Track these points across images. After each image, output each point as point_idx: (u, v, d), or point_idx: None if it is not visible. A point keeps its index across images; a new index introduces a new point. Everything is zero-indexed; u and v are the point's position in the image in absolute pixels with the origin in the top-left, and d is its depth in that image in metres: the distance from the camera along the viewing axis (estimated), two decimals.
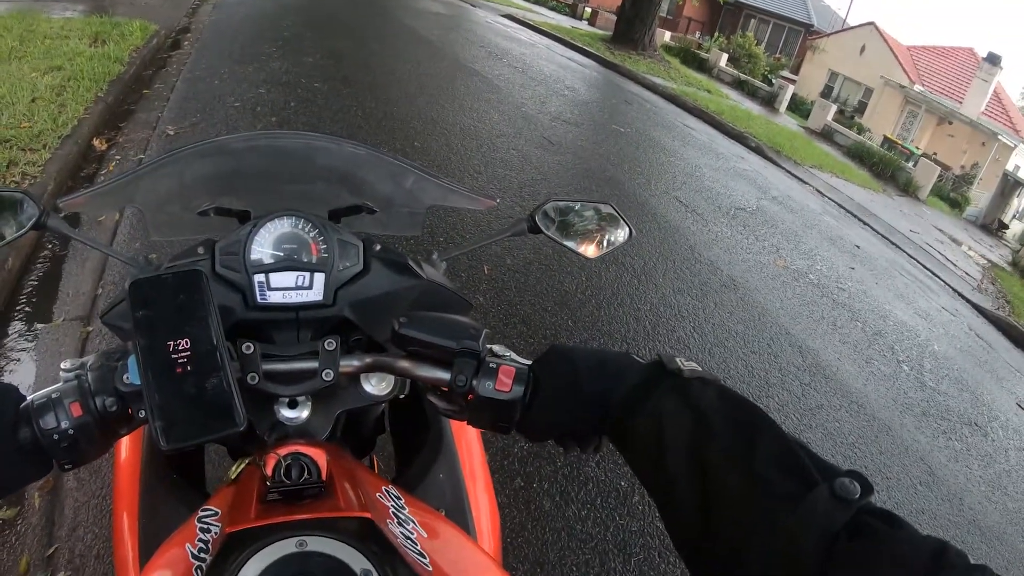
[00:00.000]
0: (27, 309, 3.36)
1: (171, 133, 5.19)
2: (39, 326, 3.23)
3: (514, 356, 0.81)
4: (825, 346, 4.93)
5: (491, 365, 0.77)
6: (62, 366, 0.75)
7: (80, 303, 3.36)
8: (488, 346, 0.80)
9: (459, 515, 1.02)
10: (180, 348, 0.65)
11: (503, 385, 0.76)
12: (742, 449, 0.59)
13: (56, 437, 0.68)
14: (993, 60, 25.73)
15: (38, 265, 3.68)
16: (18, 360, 3.05)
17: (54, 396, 0.70)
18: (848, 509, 0.52)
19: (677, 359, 0.70)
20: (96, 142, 4.99)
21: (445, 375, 0.79)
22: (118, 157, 4.83)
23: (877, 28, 29.40)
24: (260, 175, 1.06)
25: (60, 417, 0.68)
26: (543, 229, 1.08)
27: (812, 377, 4.37)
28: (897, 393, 4.83)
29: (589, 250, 1.10)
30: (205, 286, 0.68)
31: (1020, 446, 5.14)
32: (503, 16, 19.27)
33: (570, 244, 1.10)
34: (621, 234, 1.10)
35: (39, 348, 3.11)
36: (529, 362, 0.79)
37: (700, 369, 0.69)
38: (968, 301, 8.96)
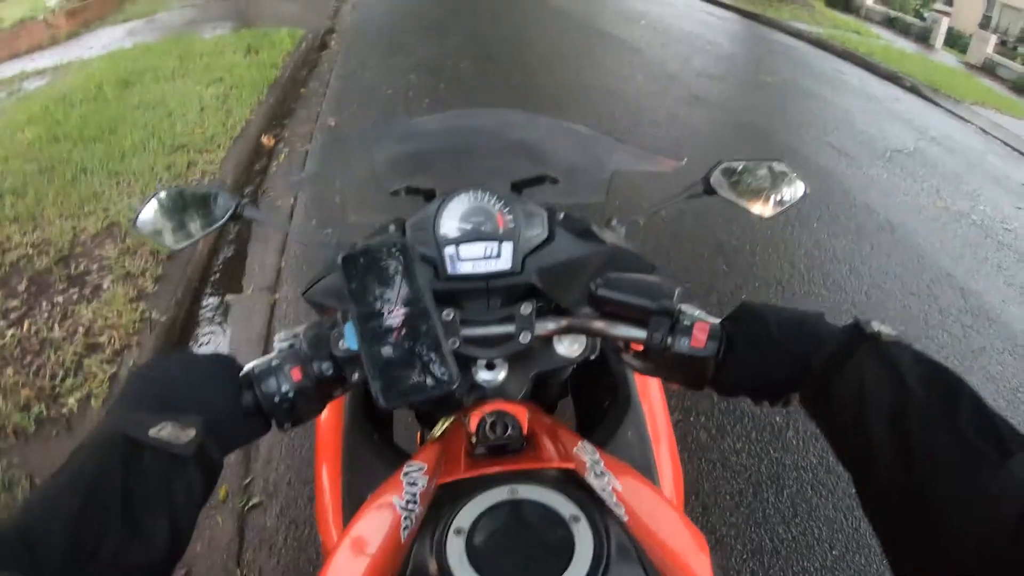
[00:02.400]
0: (221, 282, 3.91)
1: (332, 124, 5.64)
2: (230, 297, 3.77)
3: (705, 314, 0.82)
4: (988, 288, 4.80)
5: (686, 323, 0.79)
6: (277, 337, 0.82)
7: (266, 276, 3.86)
8: (680, 305, 0.82)
9: (646, 470, 1.04)
10: (394, 313, 0.69)
11: (698, 342, 0.77)
12: (945, 412, 0.59)
13: (277, 400, 0.74)
14: None
15: (227, 246, 4.25)
16: (219, 325, 3.59)
17: (274, 363, 0.75)
18: None
19: (873, 322, 0.70)
20: (264, 139, 5.56)
21: (641, 333, 0.81)
22: (286, 150, 5.34)
23: None
24: (445, 153, 1.13)
25: (281, 382, 0.74)
26: (717, 190, 1.11)
27: (974, 319, 4.29)
28: None
29: (764, 209, 1.11)
30: (411, 255, 0.71)
31: None
32: None
33: (745, 204, 1.11)
34: (795, 191, 1.12)
35: (234, 315, 3.63)
36: (719, 319, 0.81)
37: (895, 333, 0.70)
38: None
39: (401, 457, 0.97)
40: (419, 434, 1.49)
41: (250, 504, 2.59)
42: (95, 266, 3.77)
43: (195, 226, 1.04)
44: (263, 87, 6.46)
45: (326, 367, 0.75)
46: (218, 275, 4.04)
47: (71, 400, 2.91)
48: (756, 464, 2.77)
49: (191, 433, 0.62)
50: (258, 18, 9.75)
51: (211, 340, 3.53)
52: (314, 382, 0.75)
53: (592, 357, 0.96)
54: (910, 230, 5.29)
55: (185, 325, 3.60)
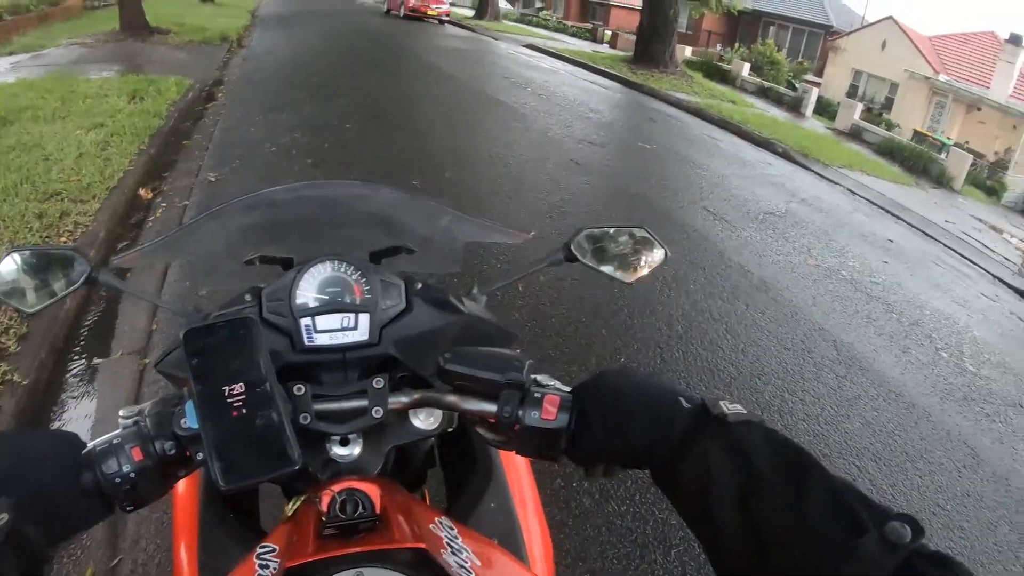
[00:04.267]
0: (86, 345, 3.60)
1: (213, 180, 5.46)
2: (98, 360, 3.45)
3: (558, 385, 0.82)
4: (860, 339, 4.98)
5: (536, 395, 0.78)
6: (120, 413, 0.78)
7: (136, 338, 3.58)
8: (532, 376, 0.81)
9: (512, 543, 1.03)
10: (235, 392, 0.68)
11: (548, 414, 0.77)
12: (791, 496, 0.58)
13: (118, 481, 0.71)
14: (1016, 41, 25.16)
15: (96, 304, 3.94)
16: (84, 390, 3.28)
17: (115, 442, 0.72)
18: (899, 554, 0.51)
19: (722, 402, 0.69)
20: (142, 192, 5.28)
21: (492, 407, 0.80)
22: (164, 205, 5.10)
23: (896, 22, 29.11)
24: (302, 223, 1.10)
25: (121, 462, 0.71)
26: (579, 257, 1.10)
27: (848, 369, 4.42)
28: (936, 380, 4.84)
29: (626, 275, 1.11)
30: (256, 332, 0.70)
31: None
32: (524, 46, 19.64)
33: (606, 270, 1.11)
34: (657, 256, 1.12)
35: (101, 380, 3.33)
36: (571, 389, 0.80)
37: (745, 412, 0.69)
38: (1009, 286, 8.85)
39: (257, 536, 0.90)
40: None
41: None
42: None
43: (49, 290, 0.99)
44: (145, 136, 6.19)
45: (168, 446, 0.73)
46: (86, 336, 3.69)
47: None
48: (642, 526, 2.72)
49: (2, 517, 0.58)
50: (147, 63, 9.48)
51: (76, 407, 3.19)
52: (156, 462, 0.72)
53: (450, 429, 0.94)
54: (783, 288, 5.43)
55: (48, 389, 3.26)
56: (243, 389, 0.68)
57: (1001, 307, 7.69)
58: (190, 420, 0.71)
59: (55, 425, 3.02)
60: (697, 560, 2.60)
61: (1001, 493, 3.76)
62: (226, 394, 0.67)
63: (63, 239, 4.16)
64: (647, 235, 1.12)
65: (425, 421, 0.93)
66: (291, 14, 18.94)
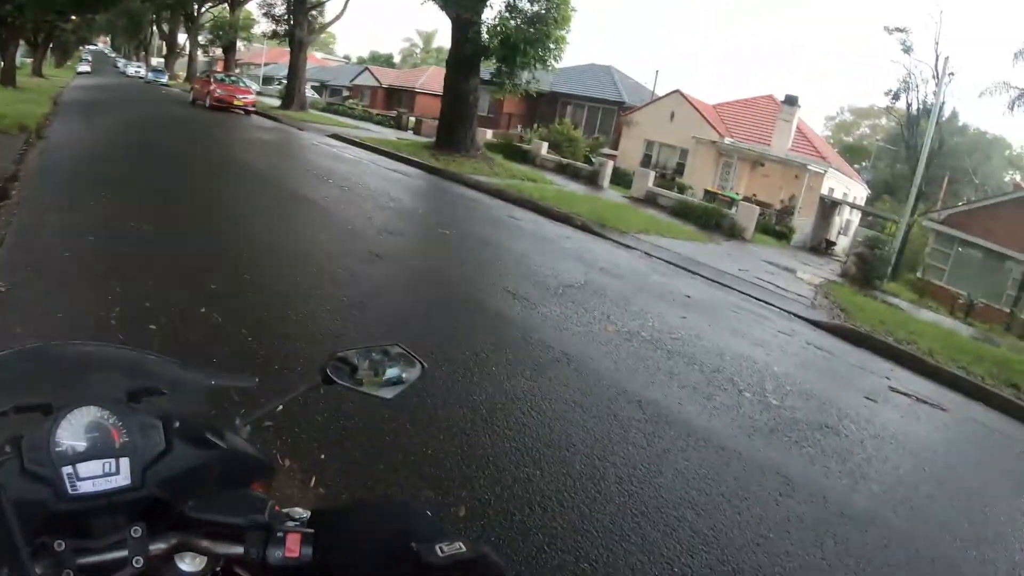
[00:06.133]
0: None
1: (2, 290, 4.98)
2: None
3: (305, 517, 0.84)
4: (664, 395, 5.12)
5: (278, 534, 0.80)
6: None
7: None
8: (283, 511, 0.83)
9: None
10: None
11: (291, 552, 0.78)
12: None
13: None
14: (791, 101, 28.46)
15: None
16: None
17: None
18: None
19: (438, 546, 0.72)
20: None
21: (239, 549, 0.81)
22: None
23: (682, 94, 31.78)
24: (56, 372, 1.06)
25: None
26: (336, 380, 1.11)
27: (655, 426, 4.50)
28: (743, 420, 5.05)
29: (383, 391, 1.14)
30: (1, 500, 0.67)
31: (874, 434, 5.52)
32: (329, 136, 19.68)
33: (365, 390, 1.13)
34: (414, 371, 1.16)
35: None
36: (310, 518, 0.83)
37: (463, 550, 0.71)
38: (803, 319, 9.62)
39: None
40: None
41: None
42: None
43: None
44: None
45: None
46: None
47: None
48: None
49: None
50: None
51: None
52: None
53: (218, 569, 0.90)
54: (585, 357, 5.52)
55: None
56: None
57: (797, 340, 8.29)
58: None
59: None
60: None
61: (820, 510, 3.92)
62: None
63: None
64: (402, 351, 1.16)
65: (192, 564, 0.89)
66: (95, 101, 18.04)
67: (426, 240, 8.85)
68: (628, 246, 11.33)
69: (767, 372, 6.37)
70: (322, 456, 3.42)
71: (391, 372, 1.17)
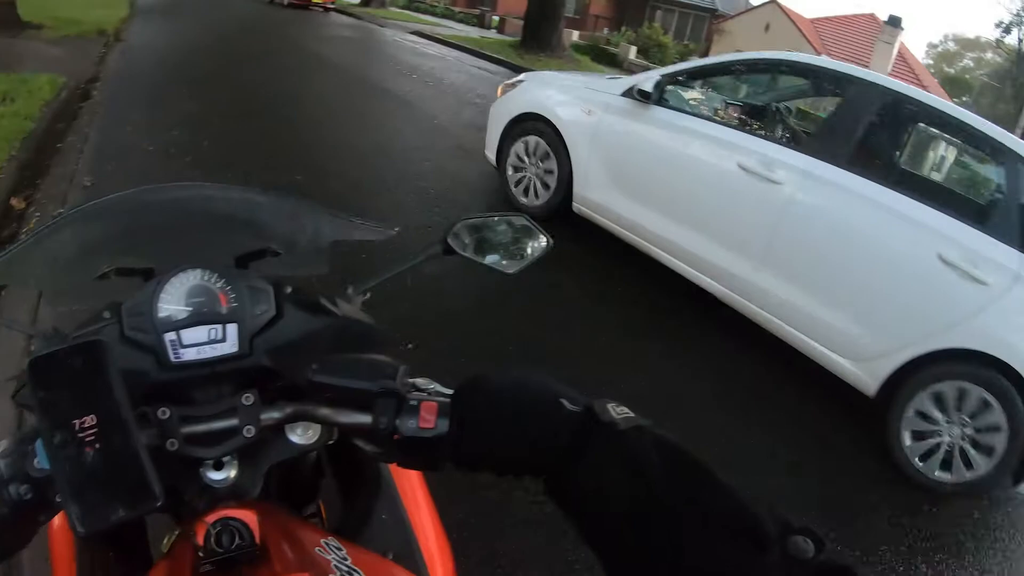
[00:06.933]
0: None
1: (88, 184, 5.16)
2: None
3: (438, 387, 0.78)
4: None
5: (412, 403, 0.74)
6: None
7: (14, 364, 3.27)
8: (410, 380, 0.77)
9: (408, 556, 1.00)
10: (87, 426, 0.60)
11: (426, 422, 0.72)
12: (689, 510, 0.55)
13: None
14: (894, 22, 26.68)
15: None
16: None
17: None
18: (804, 570, 0.49)
19: (609, 406, 0.64)
20: (14, 201, 4.89)
21: (366, 418, 0.75)
22: (38, 214, 4.79)
23: (779, 5, 30.27)
24: (157, 229, 1.01)
25: None
26: (458, 250, 1.06)
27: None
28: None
29: (507, 265, 1.09)
30: (106, 357, 0.62)
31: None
32: (411, 33, 19.44)
33: (488, 262, 1.09)
34: (539, 244, 1.10)
35: None
36: (451, 393, 0.75)
37: (633, 416, 0.64)
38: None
39: (144, 568, 0.85)
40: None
41: None
42: None
43: None
44: (16, 141, 5.70)
45: (24, 491, 0.65)
46: None
47: None
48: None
49: None
50: (18, 62, 8.61)
51: None
52: (12, 509, 0.64)
53: (332, 442, 0.88)
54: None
55: None
56: (95, 421, 0.59)
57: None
58: (42, 460, 0.64)
59: None
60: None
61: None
62: (77, 428, 0.59)
63: None
64: (527, 223, 1.10)
65: (303, 435, 0.87)
66: (172, 3, 18.05)
67: None
68: None
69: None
70: None
71: (515, 244, 1.11)
